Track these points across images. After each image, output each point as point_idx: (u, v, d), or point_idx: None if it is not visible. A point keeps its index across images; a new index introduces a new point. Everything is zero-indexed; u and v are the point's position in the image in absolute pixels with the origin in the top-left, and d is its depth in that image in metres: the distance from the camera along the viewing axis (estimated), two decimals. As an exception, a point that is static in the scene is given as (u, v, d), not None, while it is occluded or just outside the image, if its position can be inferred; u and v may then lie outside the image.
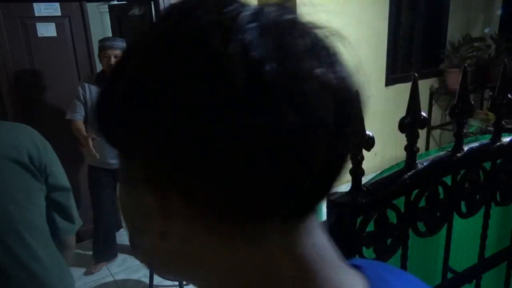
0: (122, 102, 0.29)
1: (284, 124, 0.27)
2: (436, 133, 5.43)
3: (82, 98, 2.67)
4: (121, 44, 2.68)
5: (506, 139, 0.82)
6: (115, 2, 4.33)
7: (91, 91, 2.68)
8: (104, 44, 2.67)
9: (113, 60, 2.63)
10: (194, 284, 0.37)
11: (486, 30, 5.22)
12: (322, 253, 0.36)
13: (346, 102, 0.32)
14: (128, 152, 0.32)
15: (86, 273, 2.88)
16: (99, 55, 2.71)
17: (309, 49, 0.31)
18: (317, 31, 0.35)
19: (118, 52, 2.64)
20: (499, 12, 5.32)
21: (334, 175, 0.33)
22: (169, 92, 0.27)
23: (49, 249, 1.08)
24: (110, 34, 4.19)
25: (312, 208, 0.34)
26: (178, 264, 0.36)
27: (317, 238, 0.36)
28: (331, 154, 0.30)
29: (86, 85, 2.70)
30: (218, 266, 0.33)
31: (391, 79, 4.69)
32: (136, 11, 3.53)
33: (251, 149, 0.27)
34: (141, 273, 2.81)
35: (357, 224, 0.64)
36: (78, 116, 2.66)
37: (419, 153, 0.71)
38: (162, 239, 0.33)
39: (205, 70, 0.26)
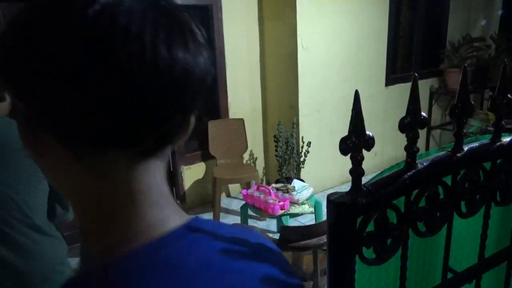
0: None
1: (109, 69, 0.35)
2: (436, 133, 5.43)
3: None
4: None
5: (506, 139, 0.82)
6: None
7: None
8: None
9: None
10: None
11: (483, 23, 5.22)
12: (156, 192, 0.45)
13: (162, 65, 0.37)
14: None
15: None
16: None
17: (154, 22, 0.37)
18: (185, 16, 0.42)
19: None
20: (499, 12, 5.32)
21: (166, 124, 0.41)
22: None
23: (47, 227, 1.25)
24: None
25: (150, 151, 0.42)
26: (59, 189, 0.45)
27: (156, 179, 0.45)
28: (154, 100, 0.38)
29: None
30: (75, 192, 0.43)
31: (391, 79, 4.70)
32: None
33: (85, 87, 0.35)
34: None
35: (357, 224, 0.64)
36: None
37: (419, 153, 0.71)
38: (41, 167, 0.44)
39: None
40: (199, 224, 0.47)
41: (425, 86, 5.02)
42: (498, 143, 0.80)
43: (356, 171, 0.64)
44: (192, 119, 0.48)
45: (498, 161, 0.82)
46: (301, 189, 3.19)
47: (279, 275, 0.51)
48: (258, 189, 3.15)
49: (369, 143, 0.64)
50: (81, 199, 0.43)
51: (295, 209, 3.03)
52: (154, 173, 0.45)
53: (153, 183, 0.44)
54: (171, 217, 0.45)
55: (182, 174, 4.02)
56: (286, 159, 3.95)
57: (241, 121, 4.12)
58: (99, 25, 0.35)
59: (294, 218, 3.52)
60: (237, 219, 3.67)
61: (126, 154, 0.41)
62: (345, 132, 0.63)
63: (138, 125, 0.38)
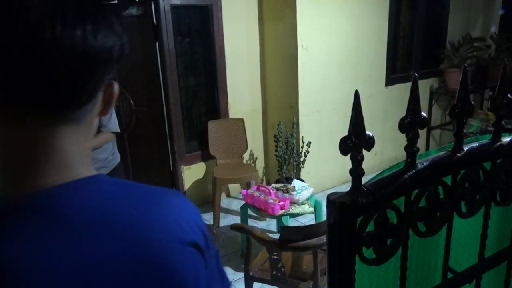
0: None
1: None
2: (436, 133, 5.43)
3: None
4: None
5: (506, 139, 0.82)
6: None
7: None
8: None
9: None
10: None
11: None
12: (63, 154, 0.51)
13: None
14: None
15: None
16: None
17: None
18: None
19: None
20: (499, 12, 5.32)
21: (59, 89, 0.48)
22: None
23: None
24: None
25: (50, 115, 0.49)
26: None
27: (66, 143, 0.51)
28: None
29: None
30: None
31: (391, 79, 4.69)
32: (133, 10, 3.52)
33: None
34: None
35: (357, 224, 0.64)
36: None
37: (419, 153, 0.71)
38: None
39: None
40: (100, 180, 0.54)
41: (425, 86, 5.02)
42: (498, 143, 0.80)
43: (356, 171, 0.64)
44: (99, 94, 0.54)
45: (498, 161, 0.82)
46: (301, 189, 3.19)
47: (167, 227, 0.54)
48: (258, 189, 3.15)
49: (369, 143, 0.64)
50: None
51: (295, 209, 3.03)
52: (64, 137, 0.51)
53: (60, 145, 0.51)
54: (76, 176, 0.52)
55: (182, 174, 4.02)
56: (286, 159, 3.95)
57: (241, 121, 4.12)
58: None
59: (294, 218, 3.51)
60: (237, 219, 3.67)
61: (29, 116, 0.48)
62: (345, 132, 0.63)
63: (32, 90, 0.46)
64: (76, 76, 0.48)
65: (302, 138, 4.03)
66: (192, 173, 4.11)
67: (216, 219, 3.74)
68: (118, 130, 2.44)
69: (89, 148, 0.57)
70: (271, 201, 2.96)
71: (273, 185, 3.30)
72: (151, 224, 0.53)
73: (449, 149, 0.77)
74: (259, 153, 4.48)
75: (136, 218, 0.52)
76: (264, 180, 4.54)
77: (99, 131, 2.36)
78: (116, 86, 0.56)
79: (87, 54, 0.48)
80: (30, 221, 0.47)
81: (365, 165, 0.64)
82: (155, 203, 0.55)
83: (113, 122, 2.40)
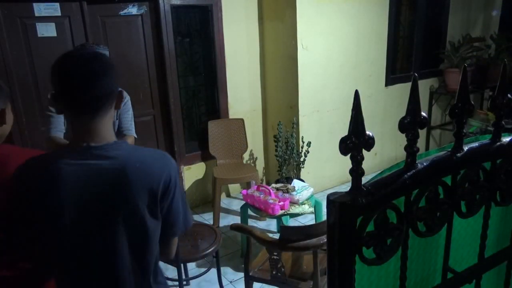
0: None
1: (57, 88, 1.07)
2: (436, 133, 5.43)
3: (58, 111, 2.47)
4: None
5: (506, 139, 0.82)
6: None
7: None
8: None
9: None
10: None
11: (494, 12, 5.12)
12: (99, 133, 1.09)
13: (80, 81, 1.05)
14: None
15: None
16: None
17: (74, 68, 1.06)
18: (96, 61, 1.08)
19: None
20: (499, 12, 5.32)
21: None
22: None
23: None
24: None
25: (90, 114, 1.07)
26: None
27: (101, 126, 1.09)
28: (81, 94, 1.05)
29: None
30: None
31: (391, 79, 4.69)
32: (134, 10, 3.52)
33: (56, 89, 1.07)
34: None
35: (357, 224, 0.64)
36: (59, 133, 2.44)
37: (419, 153, 0.71)
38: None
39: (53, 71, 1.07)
40: (122, 143, 1.12)
41: (425, 86, 5.02)
42: (498, 143, 0.80)
43: (356, 171, 0.64)
44: (114, 97, 1.11)
45: (498, 161, 0.81)
46: (301, 189, 3.19)
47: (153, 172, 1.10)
48: (258, 189, 3.15)
49: (369, 143, 0.64)
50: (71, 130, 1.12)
51: (295, 209, 3.03)
52: (105, 122, 1.09)
53: (97, 128, 1.07)
54: (107, 141, 1.09)
55: (182, 174, 4.02)
56: (286, 159, 3.95)
57: (241, 121, 4.12)
58: (63, 68, 1.06)
59: (294, 218, 3.51)
60: (237, 219, 3.67)
61: (80, 115, 1.07)
62: (345, 132, 0.63)
63: (87, 105, 1.05)
64: (103, 98, 1.07)
65: (302, 138, 4.03)
66: (192, 173, 4.11)
67: (216, 219, 3.74)
68: (136, 136, 2.68)
69: (112, 128, 1.14)
70: (271, 201, 2.96)
71: (273, 185, 3.30)
72: (147, 161, 1.10)
73: (449, 149, 0.77)
74: (259, 153, 4.48)
75: (137, 160, 1.08)
76: (264, 180, 4.54)
77: (123, 134, 2.58)
78: (124, 93, 1.20)
79: (107, 90, 1.06)
80: (79, 155, 1.05)
81: (365, 165, 0.64)
82: (150, 155, 1.12)
83: (134, 128, 2.65)
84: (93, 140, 1.05)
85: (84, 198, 1.03)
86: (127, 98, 2.64)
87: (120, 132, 2.59)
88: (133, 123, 2.64)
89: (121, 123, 2.59)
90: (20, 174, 1.06)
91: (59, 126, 2.45)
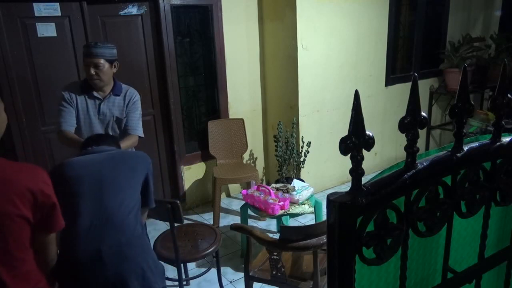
0: None
1: None
2: (436, 133, 5.43)
3: (71, 105, 2.49)
4: (101, 50, 2.43)
5: (506, 139, 0.82)
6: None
7: (77, 101, 2.51)
8: (83, 51, 2.46)
9: (92, 70, 2.42)
10: None
11: (497, 12, 5.13)
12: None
13: None
14: None
15: None
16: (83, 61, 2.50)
17: None
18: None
19: (97, 60, 2.41)
20: (499, 12, 5.32)
21: None
22: None
23: None
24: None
25: None
26: None
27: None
28: None
29: (73, 94, 2.51)
30: None
31: (391, 79, 4.69)
32: (134, 10, 3.52)
33: None
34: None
35: (357, 224, 0.64)
36: (70, 128, 2.48)
37: (419, 153, 0.71)
38: None
39: None
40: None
41: (425, 86, 5.02)
42: (498, 143, 0.80)
43: (356, 171, 0.64)
44: None
45: (498, 161, 0.81)
46: (301, 189, 3.19)
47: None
48: (258, 189, 3.15)
49: (369, 143, 0.64)
50: None
51: (295, 209, 3.03)
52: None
53: None
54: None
55: (182, 174, 4.02)
56: (286, 159, 3.95)
57: (241, 121, 4.12)
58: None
59: (294, 218, 3.51)
60: (237, 219, 3.67)
61: None
62: (345, 132, 0.63)
63: None
64: None
65: (302, 138, 4.03)
66: (192, 173, 4.11)
67: (216, 219, 3.74)
68: (143, 135, 2.68)
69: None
70: (271, 201, 2.96)
71: (273, 185, 3.30)
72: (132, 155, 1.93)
73: (449, 149, 0.77)
74: (259, 153, 4.48)
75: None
76: (264, 180, 4.54)
77: (128, 133, 2.60)
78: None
79: None
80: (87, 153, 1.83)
81: (365, 165, 0.64)
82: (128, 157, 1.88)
83: (141, 127, 2.65)
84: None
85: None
86: (137, 97, 2.65)
87: (125, 131, 2.61)
88: (140, 122, 2.66)
89: (127, 122, 2.61)
90: (52, 172, 1.62)
91: (70, 121, 2.50)
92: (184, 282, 2.85)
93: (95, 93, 2.52)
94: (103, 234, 1.62)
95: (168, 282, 2.70)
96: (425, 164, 0.71)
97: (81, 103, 2.52)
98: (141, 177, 1.82)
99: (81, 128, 2.54)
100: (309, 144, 3.97)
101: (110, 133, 2.58)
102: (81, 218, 1.62)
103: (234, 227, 2.37)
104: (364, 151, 0.64)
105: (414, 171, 0.69)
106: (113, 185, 1.71)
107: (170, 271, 2.85)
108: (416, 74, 0.68)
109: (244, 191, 3.22)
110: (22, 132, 3.23)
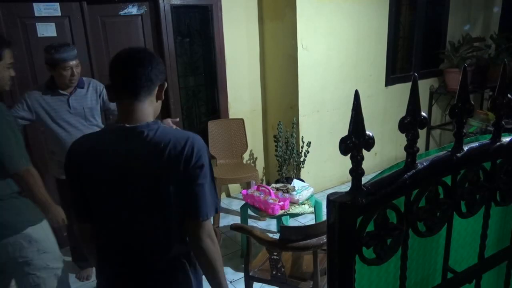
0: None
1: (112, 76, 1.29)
2: (436, 133, 5.43)
3: (25, 106, 2.54)
4: (74, 52, 2.54)
5: (506, 139, 0.82)
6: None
7: (45, 100, 2.57)
8: (56, 57, 2.48)
9: (72, 72, 2.53)
10: None
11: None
12: (142, 113, 1.28)
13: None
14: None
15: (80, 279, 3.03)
16: (51, 66, 2.52)
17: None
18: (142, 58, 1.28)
19: (76, 62, 2.54)
20: (499, 11, 5.32)
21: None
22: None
23: None
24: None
25: (134, 97, 1.26)
26: None
27: (143, 108, 1.28)
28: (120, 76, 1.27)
29: (37, 94, 2.56)
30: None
31: (391, 79, 4.69)
32: (134, 10, 3.52)
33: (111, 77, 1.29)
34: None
35: (357, 224, 0.64)
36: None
37: (419, 153, 0.71)
38: None
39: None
40: (157, 122, 1.29)
41: (425, 86, 5.02)
42: (498, 143, 0.80)
43: (356, 171, 0.64)
44: (154, 86, 1.29)
45: (498, 161, 0.81)
46: (301, 189, 3.19)
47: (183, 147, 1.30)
48: (258, 189, 3.15)
49: (369, 143, 0.64)
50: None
51: (295, 209, 3.03)
52: (142, 107, 1.26)
53: (140, 108, 1.26)
54: (145, 121, 1.27)
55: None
56: (286, 159, 3.95)
57: (241, 121, 4.12)
58: (115, 63, 1.26)
59: (294, 218, 3.51)
60: (237, 219, 3.67)
61: (125, 99, 1.26)
62: (345, 132, 0.63)
63: (125, 87, 1.25)
64: (141, 86, 1.25)
65: (302, 138, 4.03)
66: (192, 173, 4.10)
67: (216, 219, 3.74)
68: None
69: (156, 111, 1.34)
70: (271, 201, 2.96)
71: (273, 185, 3.30)
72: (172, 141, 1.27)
73: (449, 149, 0.77)
74: (259, 153, 4.48)
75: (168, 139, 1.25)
76: (264, 180, 4.54)
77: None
78: (165, 85, 1.33)
79: (144, 78, 1.24)
80: (122, 132, 1.25)
81: (365, 165, 0.64)
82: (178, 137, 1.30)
83: None
84: (127, 122, 1.24)
85: (110, 165, 1.26)
86: (102, 86, 2.77)
87: (114, 115, 2.75)
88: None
89: (112, 106, 2.73)
90: (71, 148, 1.32)
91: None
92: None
93: (60, 91, 2.60)
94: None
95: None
96: (425, 164, 0.71)
97: (46, 104, 2.58)
98: None
99: (57, 125, 2.61)
100: (309, 144, 3.97)
101: (91, 121, 2.69)
102: None
103: (234, 227, 2.37)
104: (364, 151, 0.64)
105: (414, 171, 0.69)
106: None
107: (170, 271, 2.85)
108: (416, 74, 0.68)
109: (244, 191, 3.22)
110: (22, 131, 3.22)
